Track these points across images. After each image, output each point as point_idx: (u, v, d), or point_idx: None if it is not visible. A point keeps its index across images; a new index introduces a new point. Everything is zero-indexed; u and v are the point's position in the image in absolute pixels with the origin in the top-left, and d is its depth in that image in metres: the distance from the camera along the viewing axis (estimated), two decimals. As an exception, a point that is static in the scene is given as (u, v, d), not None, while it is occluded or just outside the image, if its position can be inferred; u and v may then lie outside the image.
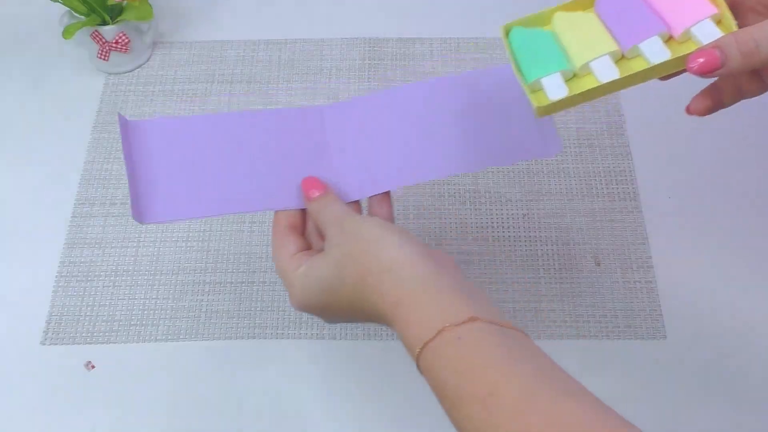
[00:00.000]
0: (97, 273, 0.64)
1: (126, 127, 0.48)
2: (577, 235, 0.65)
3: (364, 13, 0.80)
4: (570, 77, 0.43)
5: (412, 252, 0.41)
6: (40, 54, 0.77)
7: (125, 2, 0.72)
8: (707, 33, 0.41)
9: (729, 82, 0.44)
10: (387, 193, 0.49)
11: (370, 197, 0.49)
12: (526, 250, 0.65)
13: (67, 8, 0.72)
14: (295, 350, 0.60)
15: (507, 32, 0.45)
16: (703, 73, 0.39)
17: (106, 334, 0.61)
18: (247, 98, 0.74)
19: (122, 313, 0.62)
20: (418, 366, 0.38)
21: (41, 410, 0.58)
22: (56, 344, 0.61)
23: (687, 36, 0.42)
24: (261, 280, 0.63)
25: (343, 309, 0.44)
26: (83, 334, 0.61)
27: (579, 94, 0.41)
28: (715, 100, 0.44)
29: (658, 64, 0.41)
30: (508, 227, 0.66)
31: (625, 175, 0.68)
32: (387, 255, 0.41)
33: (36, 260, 0.65)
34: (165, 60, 0.77)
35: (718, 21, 0.41)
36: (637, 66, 0.42)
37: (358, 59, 0.76)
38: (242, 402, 0.58)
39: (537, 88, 0.43)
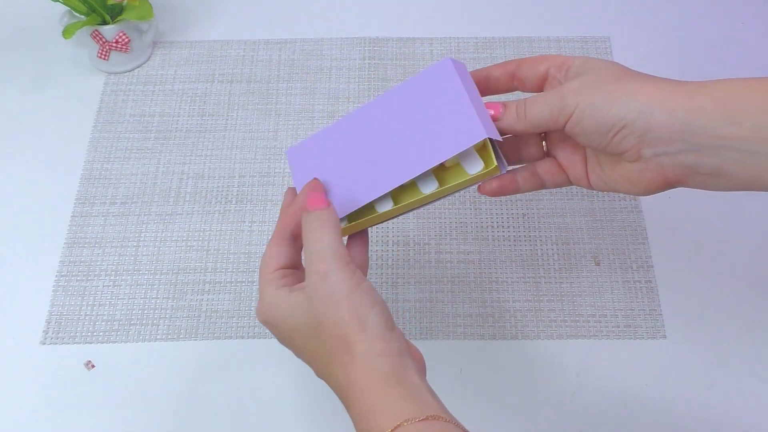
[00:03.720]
0: (97, 272, 0.64)
1: (290, 158, 0.52)
2: (577, 235, 0.65)
3: (364, 13, 0.80)
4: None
5: (390, 344, 0.40)
6: (40, 54, 0.77)
7: (125, 2, 0.72)
8: (472, 162, 0.46)
9: (526, 170, 0.49)
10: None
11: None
12: (526, 250, 0.65)
13: (67, 8, 0.72)
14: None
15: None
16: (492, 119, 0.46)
17: (106, 333, 0.61)
18: (247, 98, 0.74)
19: (122, 312, 0.62)
20: None
21: (41, 410, 0.58)
22: (56, 344, 0.61)
23: (455, 161, 0.47)
24: (261, 279, 0.63)
25: (304, 355, 0.44)
26: (83, 334, 0.61)
27: (359, 222, 0.48)
28: (504, 185, 0.49)
29: (428, 194, 0.47)
30: (508, 227, 0.66)
31: (625, 175, 0.68)
32: (365, 342, 0.40)
33: (36, 260, 0.65)
34: (165, 59, 0.77)
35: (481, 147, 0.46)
36: (410, 196, 0.48)
37: (358, 59, 0.76)
38: (242, 402, 0.58)
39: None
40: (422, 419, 0.38)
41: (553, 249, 0.65)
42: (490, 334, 0.61)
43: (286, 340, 0.44)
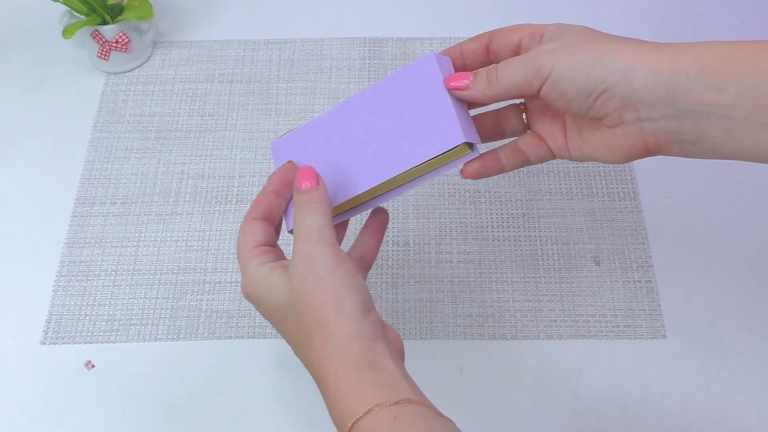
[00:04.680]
0: (97, 272, 0.64)
1: (273, 150, 0.52)
2: (577, 235, 0.65)
3: (364, 13, 0.80)
4: None
5: (363, 327, 0.40)
6: (40, 54, 0.77)
7: (125, 2, 0.72)
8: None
9: (508, 148, 0.48)
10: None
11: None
12: (526, 250, 0.65)
13: (67, 8, 0.72)
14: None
15: None
16: (455, 90, 0.45)
17: (106, 333, 0.61)
18: (247, 98, 0.74)
19: (122, 312, 0.62)
20: None
21: (41, 410, 0.58)
22: (56, 344, 0.61)
23: None
24: (261, 279, 0.63)
25: (283, 333, 0.44)
26: (83, 334, 0.61)
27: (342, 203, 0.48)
28: (486, 165, 0.47)
29: (392, 177, 0.46)
30: (508, 227, 0.66)
31: (625, 175, 0.68)
32: (338, 325, 0.40)
33: (36, 259, 0.65)
34: (165, 59, 0.77)
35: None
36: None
37: (358, 59, 0.76)
38: (242, 402, 0.58)
39: None
40: (393, 403, 0.38)
41: (553, 249, 0.65)
42: (490, 334, 0.61)
43: (267, 316, 0.45)
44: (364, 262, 0.50)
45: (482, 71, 0.44)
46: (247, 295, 0.45)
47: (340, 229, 0.51)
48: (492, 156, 0.48)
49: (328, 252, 0.41)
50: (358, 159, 0.48)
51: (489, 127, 0.49)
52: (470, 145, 0.45)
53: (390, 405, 0.37)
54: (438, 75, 0.46)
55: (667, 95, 0.39)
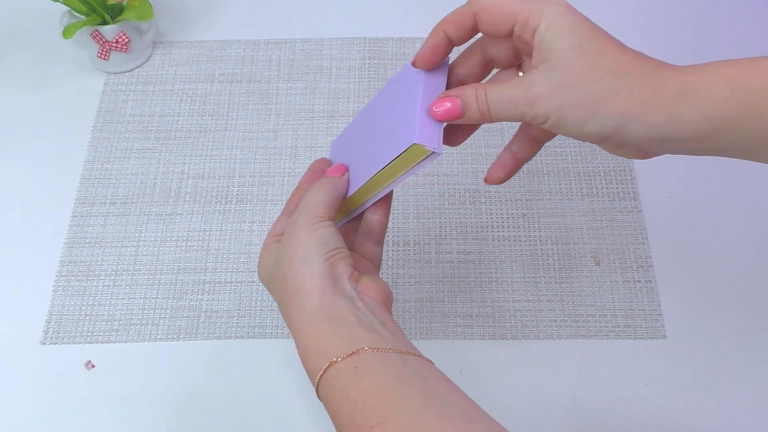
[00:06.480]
0: (97, 272, 0.64)
1: (331, 149, 0.53)
2: (577, 235, 0.65)
3: (364, 13, 0.80)
4: None
5: (323, 281, 0.41)
6: (40, 54, 0.77)
7: (125, 2, 0.72)
8: None
9: (521, 141, 0.46)
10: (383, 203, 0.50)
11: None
12: (526, 250, 0.65)
13: (67, 8, 0.72)
14: (295, 349, 0.60)
15: None
16: (445, 119, 0.42)
17: (106, 333, 0.61)
18: (247, 98, 0.74)
19: (122, 312, 0.62)
20: (318, 394, 0.40)
21: (41, 410, 0.58)
22: (56, 344, 0.61)
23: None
24: (261, 279, 0.64)
25: (277, 303, 0.45)
26: (83, 334, 0.61)
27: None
28: (509, 168, 0.47)
29: (365, 185, 0.46)
30: (508, 227, 0.66)
31: (625, 175, 0.68)
32: (299, 278, 0.41)
33: (36, 259, 0.65)
34: (165, 59, 0.77)
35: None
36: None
37: (358, 59, 0.76)
38: (242, 402, 0.58)
39: None
40: (348, 354, 0.38)
41: (553, 249, 0.65)
42: (490, 334, 0.61)
43: (269, 291, 0.47)
44: (374, 235, 0.49)
45: (472, 100, 0.41)
46: (259, 277, 0.47)
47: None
48: (510, 157, 0.47)
49: (307, 219, 0.43)
50: (360, 159, 0.48)
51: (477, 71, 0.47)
52: (430, 147, 0.43)
53: (348, 356, 0.38)
54: (421, 74, 0.45)
55: (663, 143, 0.39)
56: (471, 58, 0.46)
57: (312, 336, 0.40)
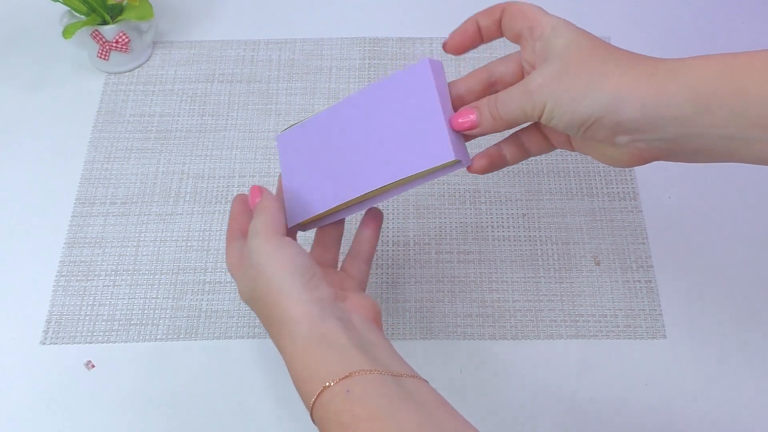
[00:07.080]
0: (97, 272, 0.64)
1: (278, 143, 0.54)
2: (577, 235, 0.65)
3: (364, 13, 0.80)
4: None
5: (307, 306, 0.42)
6: (39, 54, 0.77)
7: (125, 2, 0.72)
8: None
9: (511, 143, 0.49)
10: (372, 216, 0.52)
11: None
12: (526, 250, 0.65)
13: (67, 8, 0.72)
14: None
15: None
16: (464, 130, 0.46)
17: (106, 333, 0.61)
18: (247, 98, 0.74)
19: (122, 312, 0.62)
20: (312, 418, 0.40)
21: (41, 410, 0.58)
22: (56, 344, 0.61)
23: None
24: (261, 279, 0.64)
25: (266, 328, 0.46)
26: (83, 334, 0.61)
27: (312, 218, 0.51)
28: (493, 162, 0.48)
29: (381, 187, 0.47)
30: (508, 227, 0.66)
31: (625, 175, 0.68)
32: (283, 310, 0.42)
33: (36, 259, 0.65)
34: (165, 59, 0.77)
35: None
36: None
37: (358, 59, 0.76)
38: (242, 402, 0.58)
39: None
40: (341, 378, 0.38)
41: (553, 249, 0.65)
42: (490, 334, 0.61)
43: (252, 309, 0.47)
44: (364, 253, 0.52)
45: (484, 109, 0.45)
46: (241, 298, 0.48)
47: (337, 226, 0.53)
48: (497, 153, 0.49)
49: (263, 242, 0.44)
50: (353, 163, 0.49)
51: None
52: (461, 159, 0.46)
53: (341, 380, 0.38)
54: (431, 83, 0.46)
55: (655, 124, 0.40)
56: (474, 76, 0.48)
57: (304, 361, 0.41)
